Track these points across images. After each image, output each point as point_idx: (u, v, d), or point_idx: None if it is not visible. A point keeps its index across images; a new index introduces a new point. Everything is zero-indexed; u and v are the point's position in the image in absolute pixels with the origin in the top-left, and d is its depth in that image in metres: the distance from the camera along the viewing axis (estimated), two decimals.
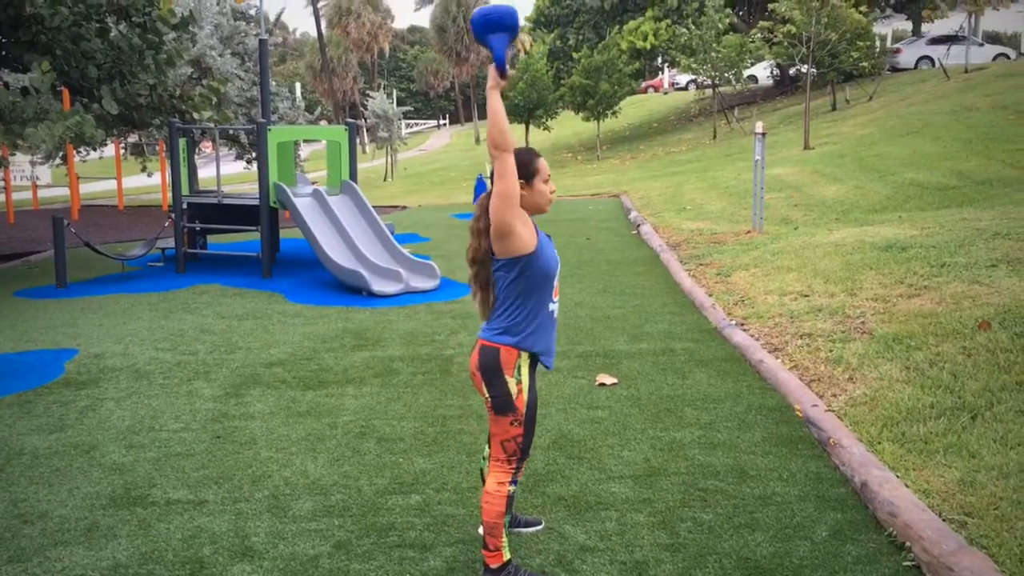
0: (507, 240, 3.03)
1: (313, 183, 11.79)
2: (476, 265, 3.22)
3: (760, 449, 4.52)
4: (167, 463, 4.55)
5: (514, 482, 3.21)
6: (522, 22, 53.25)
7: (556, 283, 3.22)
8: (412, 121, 62.49)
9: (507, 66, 3.00)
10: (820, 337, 6.04)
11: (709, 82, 28.69)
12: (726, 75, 27.45)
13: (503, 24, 3.03)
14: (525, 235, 3.05)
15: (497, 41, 3.04)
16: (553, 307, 3.21)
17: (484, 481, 3.35)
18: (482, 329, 3.23)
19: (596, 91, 28.02)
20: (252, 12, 23.07)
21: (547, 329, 3.20)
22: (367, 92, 36.82)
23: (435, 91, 71.59)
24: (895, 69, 29.75)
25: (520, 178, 3.08)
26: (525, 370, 3.16)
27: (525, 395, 3.15)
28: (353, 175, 10.95)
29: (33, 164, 20.00)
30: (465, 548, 3.57)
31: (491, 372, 3.14)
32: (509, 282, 3.12)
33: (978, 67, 24.81)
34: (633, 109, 39.23)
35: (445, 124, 68.89)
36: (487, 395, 3.17)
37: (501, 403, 3.14)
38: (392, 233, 10.33)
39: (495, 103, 2.96)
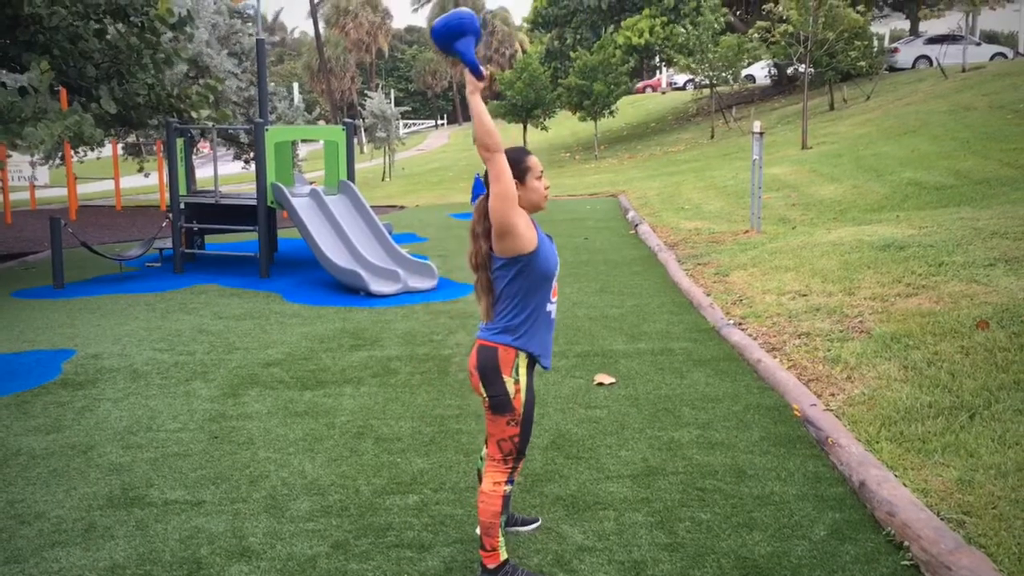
0: (509, 239, 3.03)
1: (311, 183, 11.79)
2: (479, 270, 3.21)
3: (758, 448, 4.52)
4: (164, 463, 4.54)
5: (510, 482, 3.21)
6: (519, 23, 53.11)
7: (555, 284, 3.22)
8: (410, 121, 62.46)
9: (480, 67, 3.00)
10: (818, 336, 6.03)
11: (707, 82, 28.69)
12: (724, 75, 27.46)
13: (464, 29, 3.02)
14: (527, 234, 3.05)
15: (463, 46, 3.03)
16: (551, 307, 3.21)
17: (481, 481, 3.35)
18: (480, 329, 3.22)
19: (592, 91, 28.01)
20: (249, 12, 23.06)
21: (545, 330, 3.20)
22: (365, 92, 36.80)
23: (433, 91, 71.61)
24: (893, 69, 29.76)
25: (514, 177, 3.08)
26: (523, 370, 3.15)
27: (523, 395, 3.15)
28: (351, 175, 10.95)
29: (34, 165, 19.99)
30: (463, 548, 3.57)
31: (489, 372, 3.13)
32: (508, 281, 3.11)
33: (975, 66, 24.82)
34: (631, 109, 39.25)
35: (443, 124, 68.84)
36: (485, 395, 3.16)
37: (498, 403, 3.14)
38: (390, 233, 10.32)
39: (477, 106, 2.96)
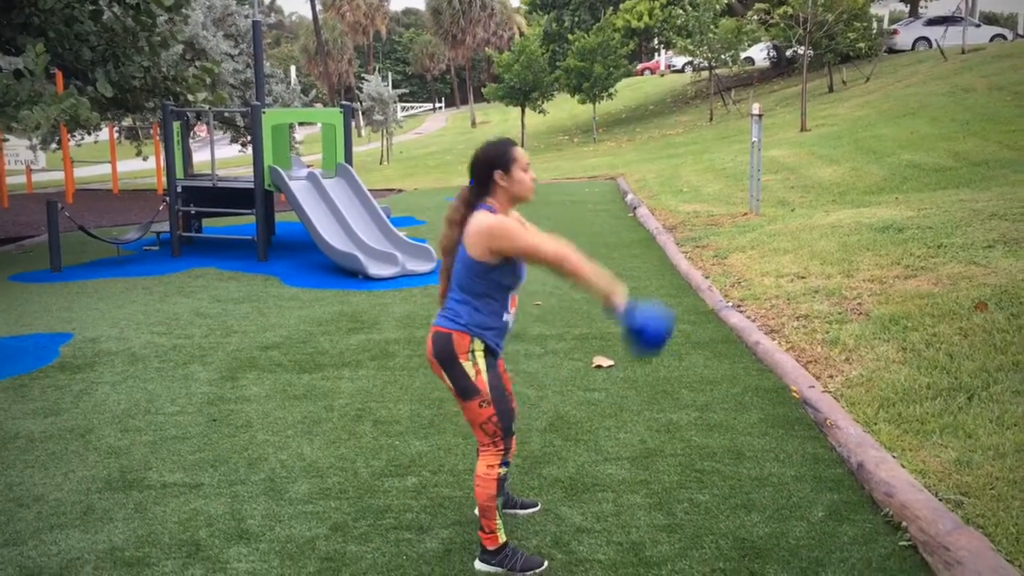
0: (503, 249, 3.02)
1: (308, 166, 11.75)
2: (447, 255, 3.21)
3: (756, 430, 4.52)
4: (163, 446, 4.54)
5: (505, 463, 3.20)
6: (518, 4, 52.82)
7: (514, 295, 3.21)
8: (408, 104, 62.25)
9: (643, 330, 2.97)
10: (817, 318, 6.03)
11: (706, 64, 28.59)
12: (723, 57, 27.36)
13: (657, 340, 2.99)
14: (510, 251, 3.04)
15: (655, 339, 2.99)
16: (508, 317, 3.20)
17: None
18: (437, 315, 3.21)
19: (591, 73, 27.91)
20: None
21: (499, 332, 3.19)
22: (362, 75, 36.67)
23: (431, 74, 71.33)
24: (892, 50, 29.64)
25: (498, 168, 3.07)
26: (480, 354, 3.13)
27: (484, 375, 3.12)
28: (348, 158, 10.91)
29: (33, 149, 19.91)
30: (462, 530, 3.57)
31: (446, 358, 3.12)
32: (469, 279, 3.10)
33: (975, 48, 24.72)
34: (629, 91, 39.11)
35: (441, 107, 68.60)
36: (448, 383, 3.16)
37: (463, 388, 3.12)
38: (388, 216, 10.30)
39: (586, 276, 2.99)
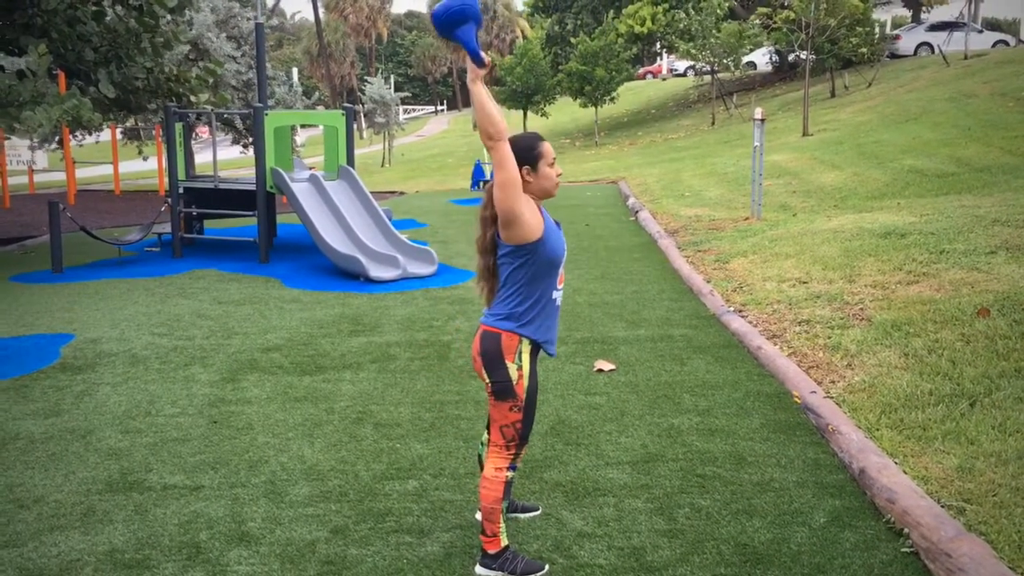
0: (513, 227, 3.00)
1: (310, 168, 11.75)
2: (483, 255, 3.19)
3: (758, 435, 4.51)
4: (164, 448, 4.53)
5: (512, 468, 3.20)
6: (520, 7, 52.87)
7: (561, 271, 3.20)
8: (410, 107, 62.28)
9: (481, 54, 2.93)
10: (819, 324, 6.02)
11: (708, 68, 28.59)
12: (725, 61, 27.36)
13: (466, 15, 2.94)
14: (532, 222, 3.02)
15: (464, 34, 2.95)
16: (556, 295, 3.19)
17: (482, 467, 3.34)
18: (484, 314, 3.21)
19: (593, 77, 27.91)
20: None
21: (550, 317, 3.18)
22: (365, 77, 36.69)
23: (433, 76, 71.34)
24: (894, 56, 29.66)
25: (525, 164, 3.05)
26: (526, 357, 3.14)
27: (526, 381, 3.14)
28: (350, 160, 10.91)
29: (32, 149, 19.92)
30: (462, 534, 3.57)
31: (492, 357, 3.12)
32: (514, 268, 3.09)
33: (977, 54, 24.73)
34: (631, 95, 39.13)
35: (443, 110, 68.62)
36: (488, 380, 3.15)
37: (501, 388, 3.12)
38: (389, 219, 10.29)
39: (479, 94, 2.89)
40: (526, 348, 3.13)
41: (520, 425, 3.16)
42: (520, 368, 3.12)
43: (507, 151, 2.93)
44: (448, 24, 2.95)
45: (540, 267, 3.09)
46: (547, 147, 3.13)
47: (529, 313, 3.12)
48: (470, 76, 2.94)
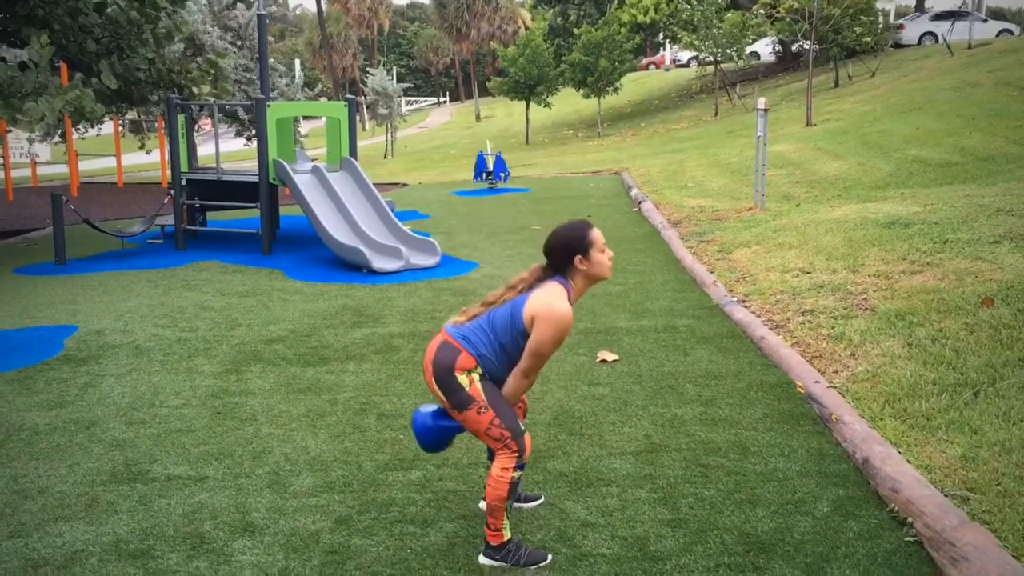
0: (536, 358, 3.14)
1: (313, 160, 11.74)
2: (488, 307, 3.24)
3: (762, 425, 4.51)
4: (167, 439, 4.54)
5: (519, 467, 3.15)
6: None
7: None
8: (412, 98, 62.19)
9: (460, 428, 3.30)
10: (822, 314, 6.02)
11: (711, 59, 28.52)
12: (728, 51, 27.29)
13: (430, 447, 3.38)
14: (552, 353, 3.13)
15: (440, 434, 3.36)
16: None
17: (490, 457, 3.35)
18: (454, 327, 3.20)
19: (596, 67, 27.85)
20: None
21: (502, 380, 3.23)
22: (367, 69, 36.61)
23: (435, 68, 71.23)
24: (898, 45, 29.55)
25: (577, 253, 3.10)
26: (476, 375, 3.15)
27: (478, 384, 3.13)
28: (353, 152, 10.90)
29: (31, 141, 19.90)
30: (466, 524, 3.57)
31: (444, 367, 3.12)
32: (510, 336, 3.13)
33: (982, 43, 24.64)
34: (634, 86, 39.03)
35: (445, 101, 68.55)
36: (442, 397, 3.16)
37: (457, 399, 3.13)
38: (392, 210, 10.29)
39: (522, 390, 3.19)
40: (478, 373, 3.15)
41: (497, 420, 3.12)
42: (470, 376, 3.13)
43: (541, 365, 3.15)
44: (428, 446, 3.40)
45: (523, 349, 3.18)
46: (597, 234, 3.15)
47: (497, 366, 3.17)
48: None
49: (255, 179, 10.34)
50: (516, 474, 3.16)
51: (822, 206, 9.89)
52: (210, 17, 19.18)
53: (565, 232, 3.13)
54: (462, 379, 3.11)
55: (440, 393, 3.15)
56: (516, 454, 3.15)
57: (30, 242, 11.84)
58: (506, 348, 3.13)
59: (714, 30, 26.39)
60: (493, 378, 3.18)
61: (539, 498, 3.73)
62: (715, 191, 12.85)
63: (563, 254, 3.11)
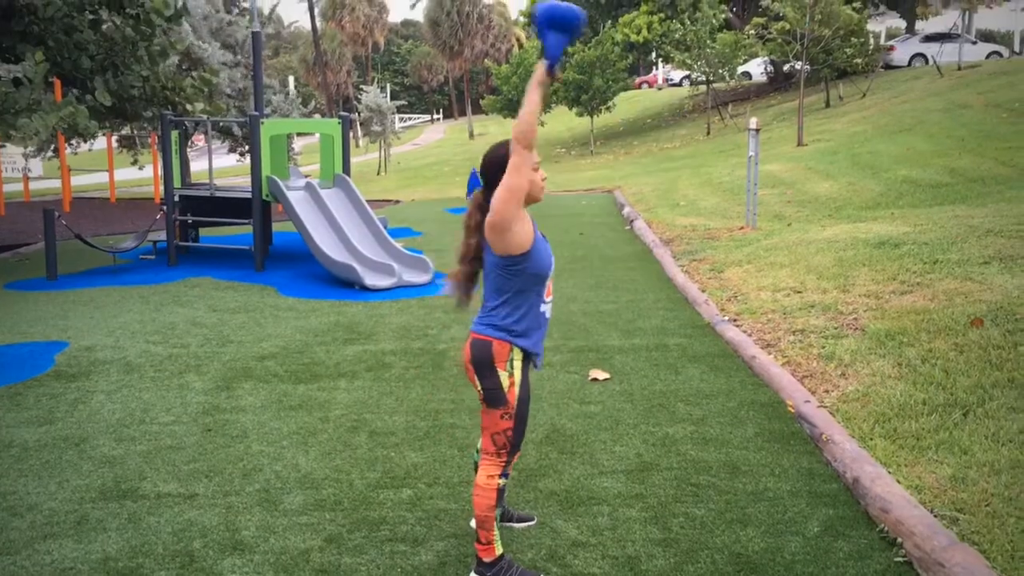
0: (505, 235, 3.02)
1: (306, 176, 11.76)
2: (464, 263, 3.23)
3: (752, 445, 4.52)
4: (157, 456, 4.53)
5: (504, 475, 3.21)
6: (516, 17, 52.95)
7: (550, 283, 3.21)
8: (406, 115, 62.31)
9: (557, 68, 2.94)
10: (813, 333, 6.04)
11: (703, 78, 28.67)
12: (720, 71, 27.44)
13: (567, 24, 2.93)
14: (524, 232, 3.04)
15: (555, 39, 2.94)
16: (545, 307, 3.21)
17: (476, 470, 3.35)
18: (474, 322, 3.22)
19: (590, 86, 27.98)
20: (245, 4, 22.96)
21: (538, 329, 3.20)
22: (361, 86, 36.71)
23: (429, 85, 71.43)
24: (889, 66, 29.76)
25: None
26: (518, 364, 3.15)
27: (517, 389, 3.15)
28: (346, 169, 10.92)
29: (26, 157, 19.90)
30: (457, 542, 3.57)
31: (483, 365, 3.13)
32: (503, 279, 3.11)
33: (971, 65, 24.84)
34: (627, 105, 39.20)
35: (439, 119, 68.67)
36: (479, 387, 3.17)
37: (492, 396, 3.14)
38: (385, 227, 10.30)
39: (535, 98, 2.89)
40: (518, 356, 3.14)
41: (511, 433, 3.17)
42: (512, 375, 3.13)
43: (528, 160, 2.96)
44: (549, 21, 2.93)
45: (528, 279, 3.11)
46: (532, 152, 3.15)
47: (520, 324, 3.14)
48: (537, 78, 2.93)
49: (248, 195, 10.34)
50: (502, 481, 3.20)
51: (813, 226, 9.94)
52: (207, 35, 19.23)
53: (497, 149, 3.13)
54: (503, 377, 3.13)
55: (479, 387, 3.18)
56: (504, 464, 3.20)
57: (22, 257, 11.81)
58: (518, 291, 3.12)
59: (707, 50, 26.55)
60: (529, 328, 3.14)
61: (532, 519, 3.73)
62: (707, 210, 12.90)
63: (495, 171, 3.09)
